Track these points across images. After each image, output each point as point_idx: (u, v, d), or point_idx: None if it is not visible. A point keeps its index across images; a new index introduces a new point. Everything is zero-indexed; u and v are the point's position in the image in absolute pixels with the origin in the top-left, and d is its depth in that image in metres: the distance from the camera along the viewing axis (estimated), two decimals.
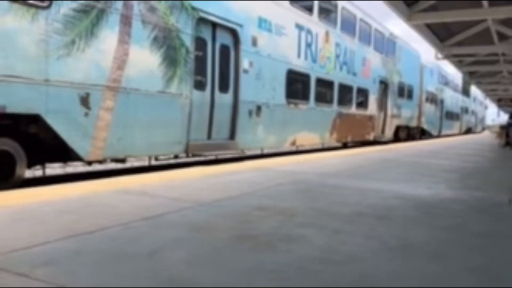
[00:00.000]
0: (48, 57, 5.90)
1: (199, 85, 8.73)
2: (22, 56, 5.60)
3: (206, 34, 8.91)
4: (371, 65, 17.65)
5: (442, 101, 31.97)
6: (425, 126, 27.32)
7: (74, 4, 6.18)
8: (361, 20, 16.52)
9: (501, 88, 34.27)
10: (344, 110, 15.44)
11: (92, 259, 2.55)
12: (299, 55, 12.36)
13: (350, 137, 16.36)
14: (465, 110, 45.01)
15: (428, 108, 28.04)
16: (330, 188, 5.50)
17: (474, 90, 46.51)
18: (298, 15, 12.22)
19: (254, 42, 10.27)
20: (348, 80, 15.57)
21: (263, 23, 10.61)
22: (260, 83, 10.56)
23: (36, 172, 7.64)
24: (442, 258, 2.85)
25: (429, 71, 27.95)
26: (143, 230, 3.22)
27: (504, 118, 39.30)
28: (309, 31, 12.77)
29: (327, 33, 13.89)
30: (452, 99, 36.51)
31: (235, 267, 2.52)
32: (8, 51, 5.46)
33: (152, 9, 7.46)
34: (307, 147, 15.20)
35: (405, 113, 22.33)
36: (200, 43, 8.70)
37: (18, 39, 5.56)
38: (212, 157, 10.42)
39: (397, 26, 23.12)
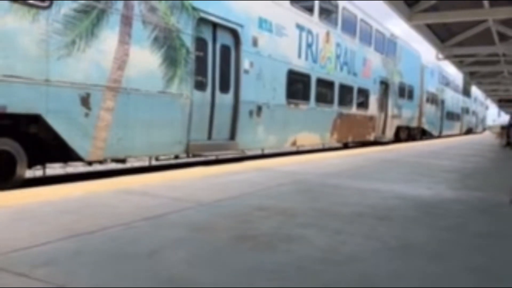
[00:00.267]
0: (49, 57, 5.90)
1: (200, 86, 8.73)
2: (22, 56, 5.60)
3: (207, 34, 8.91)
4: (371, 66, 17.64)
5: (442, 102, 31.95)
6: (425, 126, 27.30)
7: (75, 4, 6.18)
8: (362, 20, 16.51)
9: (501, 88, 34.25)
10: (345, 110, 15.43)
11: (92, 259, 2.55)
12: (299, 56, 12.36)
13: (350, 137, 16.35)
14: (466, 110, 44.98)
15: (429, 108, 28.02)
16: (330, 189, 5.50)
17: (474, 90, 46.49)
18: (298, 16, 12.21)
19: (255, 43, 10.27)
20: (348, 80, 15.57)
21: (263, 23, 10.61)
22: (261, 83, 10.56)
23: (37, 172, 7.64)
24: (442, 258, 2.85)
25: (429, 71, 27.94)
26: (143, 230, 3.22)
27: (504, 118, 39.30)
28: (309, 32, 12.77)
29: (327, 34, 13.89)
30: (452, 99, 36.48)
31: (236, 267, 2.52)
32: (9, 51, 5.46)
33: (153, 10, 7.46)
34: (308, 148, 15.19)
35: (405, 113, 22.31)
36: (200, 43, 8.69)
37: (19, 39, 5.56)
38: (213, 157, 10.42)
39: (398, 26, 23.16)
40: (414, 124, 24.37)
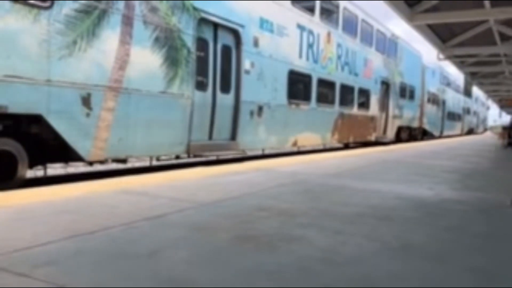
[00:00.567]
0: (50, 57, 5.91)
1: (201, 86, 8.73)
2: (24, 56, 5.61)
3: (208, 34, 8.91)
4: (372, 66, 17.63)
5: (444, 102, 31.92)
6: (426, 127, 27.28)
7: (76, 5, 6.19)
8: (363, 20, 16.51)
9: (503, 89, 34.23)
10: (346, 110, 15.42)
11: (93, 259, 2.55)
12: (300, 56, 12.35)
13: (351, 137, 16.35)
14: (467, 110, 44.93)
15: (430, 109, 28.00)
16: (331, 189, 5.50)
17: (476, 90, 46.45)
18: (299, 16, 12.21)
19: (256, 43, 10.27)
20: (349, 80, 15.56)
21: (264, 23, 10.61)
22: (262, 83, 10.56)
23: (38, 172, 7.64)
24: (443, 259, 2.84)
25: (430, 71, 27.91)
26: (144, 230, 3.22)
27: (506, 119, 39.25)
28: (310, 32, 12.76)
29: (328, 34, 13.88)
30: (454, 99, 36.45)
31: (236, 267, 2.52)
32: (10, 51, 5.47)
33: (154, 10, 7.47)
34: (309, 148, 15.19)
35: (406, 113, 22.30)
36: (201, 43, 8.70)
37: (20, 40, 5.57)
38: (214, 158, 10.42)
39: (399, 27, 23.15)
40: (415, 124, 24.35)
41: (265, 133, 10.85)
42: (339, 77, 14.76)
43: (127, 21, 7.00)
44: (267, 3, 10.67)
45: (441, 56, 17.75)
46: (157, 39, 7.57)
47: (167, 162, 9.34)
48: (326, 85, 13.97)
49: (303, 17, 12.38)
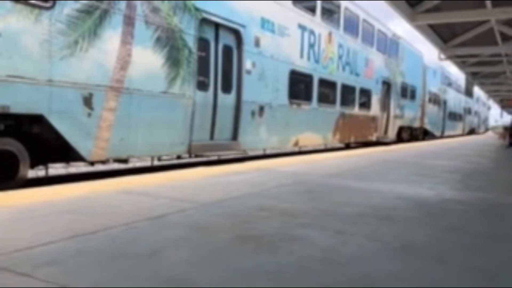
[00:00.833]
0: (52, 57, 5.92)
1: (202, 86, 8.74)
2: (25, 56, 5.62)
3: (209, 34, 8.92)
4: (374, 66, 17.62)
5: (445, 102, 31.90)
6: (428, 127, 27.27)
7: (77, 5, 6.20)
8: (364, 20, 16.50)
9: (504, 89, 34.21)
10: (347, 110, 15.42)
11: (94, 259, 2.56)
12: (302, 56, 12.36)
13: (352, 137, 16.34)
14: (468, 111, 44.89)
15: (431, 109, 27.98)
16: (332, 189, 5.50)
17: (477, 90, 46.41)
18: (301, 16, 12.21)
19: (257, 43, 10.28)
20: (351, 80, 15.56)
21: (266, 23, 10.62)
22: (263, 83, 10.56)
23: (39, 172, 7.66)
24: (444, 259, 2.85)
25: (432, 71, 27.89)
26: (145, 231, 3.23)
27: (507, 119, 39.20)
28: (312, 32, 12.77)
29: (330, 34, 13.88)
30: (455, 99, 36.42)
31: (237, 268, 2.53)
32: (12, 51, 5.48)
33: (155, 10, 7.48)
34: (310, 148, 15.20)
35: (408, 113, 22.29)
36: (203, 43, 8.71)
37: (22, 40, 5.58)
38: (215, 158, 10.43)
39: (401, 27, 23.13)
40: (416, 124, 24.34)
41: (266, 133, 10.85)
42: (340, 77, 14.75)
43: (129, 21, 7.01)
44: (268, 3, 10.68)
45: (442, 56, 17.76)
46: (158, 39, 7.58)
47: (168, 162, 9.35)
48: (327, 85, 13.97)
49: (304, 17, 12.38)
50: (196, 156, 9.24)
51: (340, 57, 14.67)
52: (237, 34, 9.63)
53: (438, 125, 30.32)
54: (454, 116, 36.66)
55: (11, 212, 3.63)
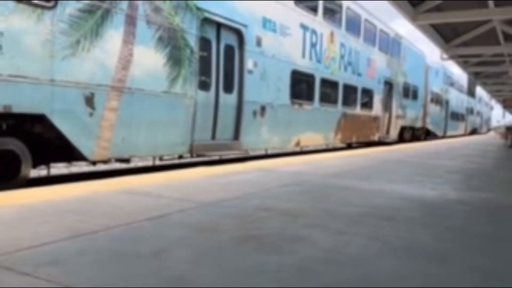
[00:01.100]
0: (54, 57, 5.93)
1: (204, 85, 8.74)
2: (27, 56, 5.63)
3: (211, 34, 8.92)
4: (376, 66, 17.61)
5: (447, 102, 31.86)
6: (430, 127, 27.24)
7: (79, 4, 6.20)
8: (366, 20, 16.49)
9: (506, 89, 34.15)
10: (349, 110, 15.41)
11: (95, 259, 2.56)
12: (303, 56, 12.35)
13: (354, 137, 16.33)
14: (470, 111, 44.83)
15: (433, 108, 27.95)
16: (334, 189, 5.49)
17: (479, 90, 46.34)
18: (302, 15, 12.21)
19: (259, 43, 10.27)
20: (352, 80, 15.55)
21: (267, 23, 10.62)
22: (265, 83, 10.56)
23: (41, 172, 7.67)
24: (446, 259, 2.84)
25: (434, 71, 27.86)
26: (146, 230, 3.23)
27: (509, 119, 39.14)
28: (313, 32, 12.76)
29: (332, 34, 13.87)
30: (457, 99, 36.37)
31: (238, 268, 2.52)
32: (14, 51, 5.48)
33: (157, 10, 7.48)
34: (312, 148, 15.19)
35: (410, 113, 22.26)
36: (204, 43, 8.71)
37: (24, 39, 5.59)
38: (216, 158, 10.43)
39: (403, 27, 23.08)
40: (418, 124, 24.31)
41: (268, 133, 10.85)
42: (342, 77, 14.74)
43: (131, 21, 7.02)
44: (270, 3, 10.68)
45: (445, 56, 17.73)
46: (160, 39, 7.58)
47: (170, 162, 9.35)
48: (329, 85, 13.96)
49: (306, 17, 12.37)
50: (198, 156, 9.25)
51: (342, 57, 14.66)
52: (238, 34, 9.63)
53: (440, 125, 30.28)
54: (456, 116, 36.62)
55: (12, 211, 3.63)
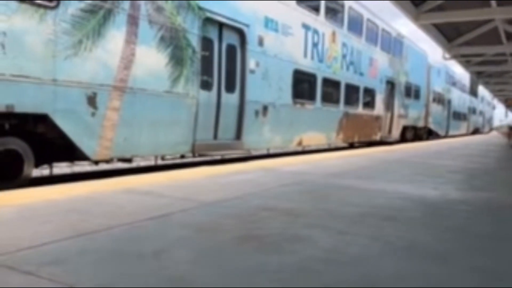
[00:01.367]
0: (56, 57, 5.94)
1: (206, 85, 8.75)
2: (30, 56, 5.64)
3: (213, 34, 8.93)
4: (378, 65, 17.59)
5: (449, 101, 31.80)
6: (432, 126, 27.20)
7: (82, 4, 6.22)
8: (368, 20, 16.48)
9: (509, 88, 34.05)
10: (351, 110, 15.40)
11: (98, 258, 2.57)
12: (305, 55, 12.35)
13: (356, 137, 16.32)
14: (473, 110, 44.74)
15: (435, 108, 27.90)
16: (335, 189, 5.50)
17: (481, 90, 46.23)
18: (304, 15, 12.21)
19: (261, 42, 10.28)
20: (354, 80, 15.54)
21: (269, 23, 10.62)
22: (267, 83, 10.56)
23: (44, 171, 7.69)
24: (447, 259, 2.84)
25: (436, 71, 27.82)
26: (148, 230, 3.24)
27: None
28: (315, 31, 12.76)
29: (333, 33, 13.87)
30: (459, 99, 36.31)
31: (239, 268, 2.53)
32: (17, 51, 5.50)
33: (159, 9, 7.49)
34: (314, 148, 15.18)
35: (412, 113, 22.24)
36: (206, 43, 8.72)
37: (26, 39, 5.61)
38: (218, 157, 10.44)
39: (406, 27, 23.01)
40: (420, 124, 24.28)
41: (270, 132, 10.85)
42: (344, 77, 14.74)
43: (133, 21, 7.03)
44: (272, 3, 10.68)
45: (447, 55, 17.69)
46: (162, 39, 7.59)
47: (172, 162, 9.37)
48: (331, 84, 13.96)
49: (308, 17, 12.37)
50: (200, 155, 9.26)
51: (344, 56, 14.65)
52: (240, 34, 9.64)
53: (442, 124, 30.23)
54: (459, 116, 36.55)
55: (15, 211, 3.65)
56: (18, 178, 5.90)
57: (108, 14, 6.61)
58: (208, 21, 8.64)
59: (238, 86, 9.69)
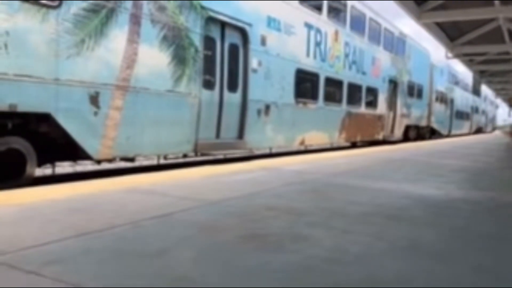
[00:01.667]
0: (58, 56, 5.94)
1: (208, 85, 8.74)
2: (32, 55, 5.64)
3: (215, 33, 8.92)
4: (380, 64, 17.55)
5: (452, 101, 31.73)
6: (435, 125, 27.13)
7: (84, 4, 6.22)
8: (371, 19, 16.44)
9: None
10: (353, 109, 15.37)
11: (100, 258, 2.57)
12: (308, 54, 12.33)
13: (359, 136, 16.30)
14: (476, 109, 44.63)
15: (438, 107, 27.84)
16: (338, 188, 5.49)
17: (484, 89, 46.12)
18: (307, 14, 12.18)
19: (263, 41, 10.26)
20: (357, 79, 15.51)
21: (272, 22, 10.60)
22: (269, 82, 10.55)
23: (46, 170, 7.70)
24: (451, 259, 2.83)
25: (439, 70, 27.74)
26: (151, 229, 3.23)
27: None
28: (318, 30, 12.73)
29: (336, 32, 13.84)
30: (462, 98, 36.22)
31: (243, 267, 2.53)
32: (19, 50, 5.50)
33: (161, 9, 7.48)
34: (316, 147, 15.17)
35: (414, 112, 22.19)
36: (209, 42, 8.70)
37: (29, 39, 5.60)
38: (221, 156, 10.44)
39: (409, 27, 23.00)
40: (423, 123, 24.23)
41: (272, 132, 10.84)
42: (347, 76, 14.71)
43: (135, 20, 7.03)
44: (275, 2, 10.66)
45: (450, 54, 17.65)
46: (164, 38, 7.59)
47: (175, 161, 9.37)
48: (333, 83, 13.93)
49: (310, 16, 12.35)
50: (202, 155, 9.25)
51: (346, 55, 14.62)
52: (243, 33, 9.62)
53: (445, 124, 30.16)
54: (461, 115, 36.46)
55: (18, 210, 3.65)
56: (20, 177, 5.91)
57: (111, 13, 6.60)
58: (210, 20, 8.63)
59: (241, 85, 9.68)
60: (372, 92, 16.95)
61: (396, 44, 19.31)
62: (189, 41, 8.11)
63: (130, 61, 6.97)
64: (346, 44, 14.57)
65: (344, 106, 14.64)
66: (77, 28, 6.14)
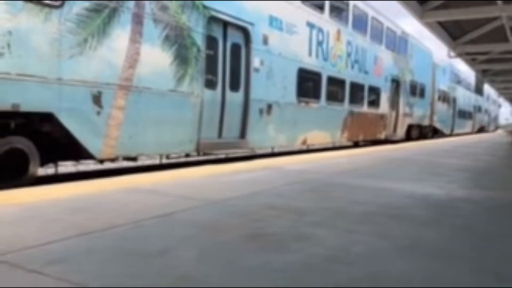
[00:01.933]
0: (61, 56, 5.95)
1: (210, 84, 8.74)
2: (35, 55, 5.65)
3: (217, 32, 8.92)
4: (383, 64, 17.53)
5: (454, 100, 31.67)
6: (437, 125, 27.10)
7: (86, 3, 6.23)
8: (373, 18, 16.42)
9: None
10: (356, 108, 15.36)
11: (103, 257, 2.57)
12: (310, 54, 12.32)
13: (361, 136, 16.28)
14: (478, 108, 44.55)
15: (441, 106, 27.80)
16: (340, 187, 5.48)
17: (487, 88, 46.02)
18: (309, 14, 12.18)
19: (265, 41, 10.26)
20: (359, 78, 15.49)
21: (274, 21, 10.60)
22: (271, 81, 10.55)
23: (49, 170, 7.71)
24: (453, 259, 2.83)
25: (441, 69, 27.70)
26: (153, 229, 3.24)
27: None
28: (320, 30, 12.72)
29: (338, 32, 13.83)
30: (464, 97, 36.15)
31: (245, 266, 2.53)
32: (22, 50, 5.51)
33: (164, 8, 7.49)
34: (318, 146, 15.16)
35: (417, 111, 22.16)
36: (211, 41, 8.71)
37: (32, 38, 5.62)
38: (223, 156, 10.44)
39: (412, 26, 22.92)
40: (425, 122, 24.19)
41: (275, 131, 10.84)
42: (349, 75, 14.69)
43: (137, 20, 7.03)
44: (277, 1, 10.65)
45: (452, 53, 17.62)
46: (167, 38, 7.59)
47: (177, 160, 9.37)
48: (335, 83, 13.92)
49: (312, 15, 12.34)
50: (204, 154, 9.26)
51: (348, 54, 14.61)
52: (245, 32, 9.62)
53: (448, 123, 30.12)
54: (464, 114, 36.40)
55: (20, 209, 3.66)
56: (23, 177, 5.92)
57: (113, 13, 6.61)
58: (212, 19, 8.63)
59: (243, 84, 9.68)
60: (374, 91, 16.93)
61: (398, 43, 19.29)
62: (191, 40, 8.11)
63: (133, 60, 6.98)
64: (348, 43, 14.55)
65: (346, 105, 14.63)
66: (80, 27, 6.15)
